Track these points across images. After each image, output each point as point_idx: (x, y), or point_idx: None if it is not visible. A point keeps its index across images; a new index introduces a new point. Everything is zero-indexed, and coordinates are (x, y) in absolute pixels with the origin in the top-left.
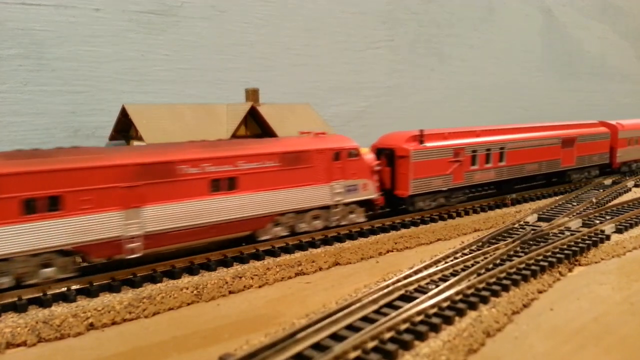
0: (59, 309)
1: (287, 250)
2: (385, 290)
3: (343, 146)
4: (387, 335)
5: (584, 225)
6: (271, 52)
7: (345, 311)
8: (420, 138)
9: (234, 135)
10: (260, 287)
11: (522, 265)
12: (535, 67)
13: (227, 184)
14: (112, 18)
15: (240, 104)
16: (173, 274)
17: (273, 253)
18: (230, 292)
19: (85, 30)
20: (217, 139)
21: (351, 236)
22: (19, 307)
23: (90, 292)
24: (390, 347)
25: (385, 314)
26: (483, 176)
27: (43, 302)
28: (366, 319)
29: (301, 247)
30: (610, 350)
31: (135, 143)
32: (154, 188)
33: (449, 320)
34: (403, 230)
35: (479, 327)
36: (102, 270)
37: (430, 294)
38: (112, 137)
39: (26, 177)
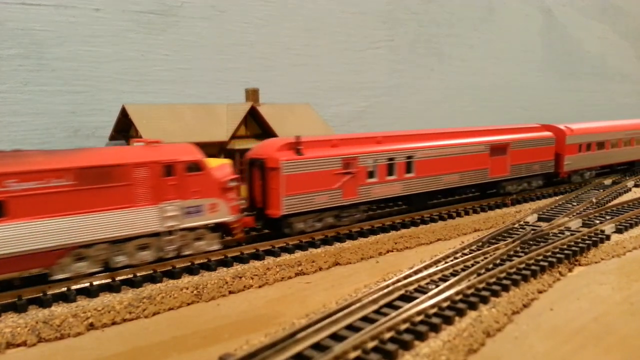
0: (59, 309)
1: (287, 250)
2: (385, 290)
3: (177, 159)
4: (387, 335)
5: (584, 225)
6: (271, 52)
7: (345, 311)
8: (297, 146)
9: (234, 136)
10: (260, 287)
11: (522, 265)
12: (535, 67)
13: None
14: (112, 18)
15: (240, 104)
16: (173, 274)
17: (273, 253)
18: (230, 292)
19: (85, 30)
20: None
21: (351, 236)
22: (19, 307)
23: (90, 292)
24: (390, 347)
25: (385, 314)
26: (385, 190)
27: (43, 302)
28: (366, 319)
29: (301, 247)
30: (610, 350)
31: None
32: None
33: (449, 320)
34: (403, 230)
35: (479, 327)
36: (102, 270)
37: (430, 294)
38: (112, 137)
39: None
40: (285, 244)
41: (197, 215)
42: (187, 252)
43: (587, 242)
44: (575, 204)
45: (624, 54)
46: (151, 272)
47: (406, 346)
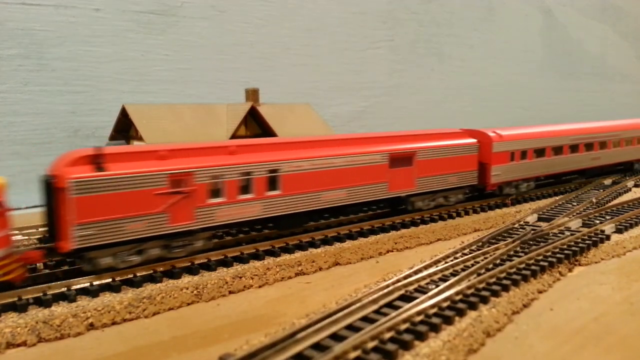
0: (59, 309)
1: (287, 250)
2: (385, 290)
3: None
4: (387, 335)
5: (584, 225)
6: (271, 52)
7: (345, 311)
8: (97, 160)
9: (234, 136)
10: (260, 287)
11: (522, 265)
12: (535, 67)
13: None
14: (112, 18)
15: (240, 104)
16: (173, 274)
17: (273, 253)
18: (230, 292)
19: (85, 30)
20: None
21: (351, 236)
22: (19, 307)
23: (90, 292)
24: (390, 347)
25: (385, 314)
26: (237, 212)
27: (43, 302)
28: (366, 319)
29: (301, 247)
30: (610, 350)
31: (136, 143)
32: None
33: (449, 320)
34: (403, 230)
35: (479, 327)
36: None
37: (430, 294)
38: (112, 137)
39: None
40: (285, 244)
41: None
42: None
43: (587, 242)
44: (575, 204)
45: (624, 54)
46: (151, 272)
47: (406, 346)
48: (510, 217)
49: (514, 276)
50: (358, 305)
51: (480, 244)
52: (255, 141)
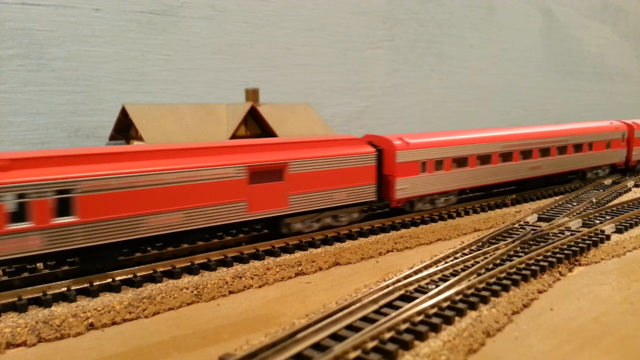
0: (59, 309)
1: (287, 250)
2: (385, 290)
3: None
4: (387, 335)
5: (584, 225)
6: (271, 52)
7: (345, 311)
8: None
9: (234, 136)
10: (260, 287)
11: (522, 265)
12: (535, 67)
13: None
14: (112, 18)
15: (240, 104)
16: (173, 274)
17: (273, 253)
18: (230, 292)
19: (85, 30)
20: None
21: (351, 236)
22: (19, 307)
23: (90, 292)
24: (390, 347)
25: (385, 314)
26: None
27: (43, 302)
28: (366, 319)
29: (301, 247)
30: (610, 350)
31: (136, 143)
32: None
33: (449, 320)
34: (403, 230)
35: (479, 327)
36: (102, 270)
37: (430, 294)
38: (112, 137)
39: None
40: (285, 244)
41: None
42: None
43: (587, 242)
44: (575, 204)
45: (624, 54)
46: (151, 272)
47: (406, 346)
48: (510, 217)
49: (514, 276)
50: (358, 305)
51: (480, 244)
52: (40, 153)
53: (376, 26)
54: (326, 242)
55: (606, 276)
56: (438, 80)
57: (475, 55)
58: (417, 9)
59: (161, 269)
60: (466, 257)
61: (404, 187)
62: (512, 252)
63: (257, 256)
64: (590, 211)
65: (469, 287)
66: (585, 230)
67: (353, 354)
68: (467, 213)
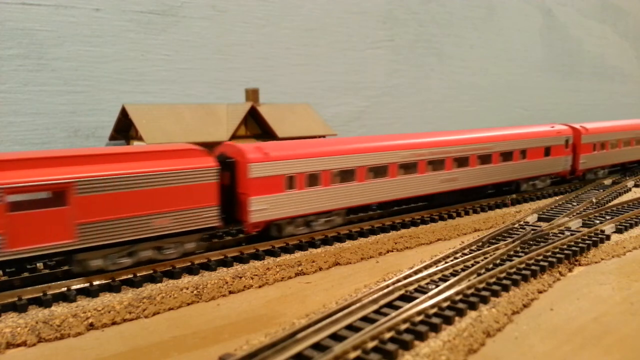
0: (59, 309)
1: (287, 250)
2: (385, 290)
3: None
4: (387, 335)
5: (584, 225)
6: (271, 52)
7: (345, 311)
8: None
9: (234, 136)
10: (260, 287)
11: (522, 265)
12: (535, 67)
13: None
14: (112, 18)
15: (240, 104)
16: (173, 274)
17: (273, 253)
18: (230, 292)
19: (85, 30)
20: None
21: (351, 236)
22: (19, 307)
23: (90, 292)
24: (390, 347)
25: (385, 314)
26: None
27: (43, 302)
28: (366, 319)
29: (301, 247)
30: (610, 350)
31: (136, 143)
32: None
33: (449, 320)
34: (403, 230)
35: (479, 327)
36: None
37: (430, 294)
38: (112, 137)
39: None
40: (285, 244)
41: None
42: None
43: (587, 242)
44: (575, 204)
45: (624, 54)
46: (151, 272)
47: (406, 346)
48: (510, 217)
49: (514, 276)
50: (358, 305)
51: (480, 244)
52: None
53: (376, 26)
54: (326, 242)
55: (606, 276)
56: (438, 80)
57: (475, 55)
58: (417, 9)
59: (161, 269)
60: (466, 257)
61: (262, 208)
62: (512, 252)
63: (257, 256)
64: (590, 211)
65: (469, 287)
66: (585, 230)
67: (353, 354)
68: (467, 213)
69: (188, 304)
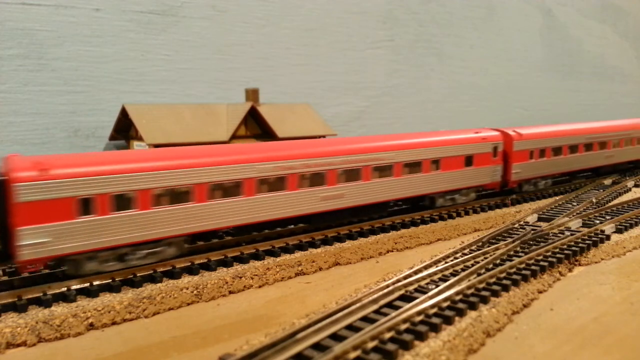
0: (59, 309)
1: (287, 250)
2: (385, 290)
3: None
4: (387, 335)
5: (584, 225)
6: (271, 52)
7: (345, 311)
8: None
9: (234, 136)
10: (260, 287)
11: (522, 265)
12: (535, 67)
13: None
14: (112, 18)
15: (240, 104)
16: (173, 274)
17: (273, 253)
18: (230, 292)
19: (85, 30)
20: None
21: (351, 236)
22: (19, 307)
23: (90, 292)
24: (390, 347)
25: (385, 314)
26: None
27: (43, 302)
28: (366, 319)
29: (301, 247)
30: (610, 350)
31: (136, 143)
32: None
33: (449, 320)
34: (403, 230)
35: (479, 327)
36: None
37: (430, 294)
38: (112, 137)
39: None
40: (285, 244)
41: None
42: None
43: (587, 242)
44: (575, 204)
45: (624, 54)
46: (151, 272)
47: (406, 346)
48: (510, 217)
49: (514, 276)
50: (358, 305)
51: (480, 244)
52: None
53: (376, 26)
54: (326, 242)
55: (606, 276)
56: (438, 80)
57: (475, 55)
58: (417, 9)
59: (161, 269)
60: (466, 257)
61: (40, 241)
62: (512, 252)
63: (257, 256)
64: (590, 211)
65: (469, 287)
66: (585, 230)
67: (353, 354)
68: (467, 213)
69: (188, 304)
